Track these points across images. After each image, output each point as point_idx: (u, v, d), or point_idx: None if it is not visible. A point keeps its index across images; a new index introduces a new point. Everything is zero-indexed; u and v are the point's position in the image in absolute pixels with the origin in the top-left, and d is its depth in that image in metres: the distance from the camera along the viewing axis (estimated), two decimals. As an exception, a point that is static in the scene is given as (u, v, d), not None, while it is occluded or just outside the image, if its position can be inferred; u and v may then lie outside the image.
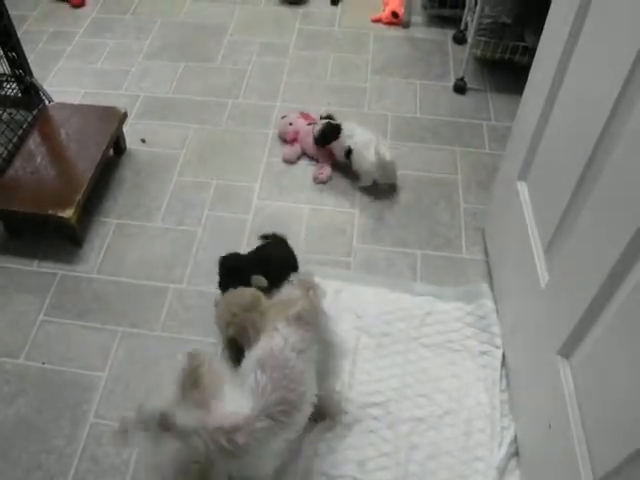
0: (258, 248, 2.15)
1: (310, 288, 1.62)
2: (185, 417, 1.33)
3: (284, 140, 2.67)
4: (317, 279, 1.69)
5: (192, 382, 1.48)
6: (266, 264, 2.07)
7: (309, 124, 2.59)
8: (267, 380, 1.42)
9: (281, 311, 1.56)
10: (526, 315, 1.75)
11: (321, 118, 2.54)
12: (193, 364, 1.51)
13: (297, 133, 2.62)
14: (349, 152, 2.43)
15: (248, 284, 1.99)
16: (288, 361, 1.46)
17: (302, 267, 2.13)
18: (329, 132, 2.48)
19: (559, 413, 1.39)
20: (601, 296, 1.25)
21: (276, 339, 1.50)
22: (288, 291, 1.65)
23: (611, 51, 1.29)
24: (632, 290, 1.14)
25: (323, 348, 1.62)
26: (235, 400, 1.42)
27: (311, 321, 1.56)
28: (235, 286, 1.98)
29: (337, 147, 2.48)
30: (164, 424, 1.32)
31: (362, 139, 2.41)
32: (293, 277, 1.72)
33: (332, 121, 2.50)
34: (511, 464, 1.71)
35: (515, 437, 1.75)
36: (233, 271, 2.06)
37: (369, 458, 1.72)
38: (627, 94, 1.20)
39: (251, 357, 1.51)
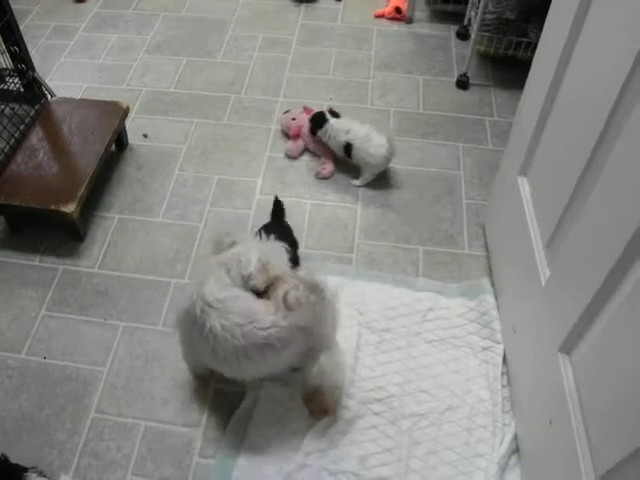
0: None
1: (313, 292, 1.55)
2: None
3: (287, 135, 2.67)
4: (322, 277, 1.61)
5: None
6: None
7: (311, 119, 2.59)
8: (235, 313, 1.54)
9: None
10: (527, 311, 1.74)
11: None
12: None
13: (300, 128, 2.61)
14: (348, 147, 2.42)
15: None
16: (255, 338, 1.53)
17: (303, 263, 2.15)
18: (314, 120, 2.50)
19: (560, 410, 1.39)
20: (602, 292, 1.25)
21: (267, 319, 1.54)
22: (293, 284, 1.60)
23: (613, 46, 1.28)
24: (634, 286, 1.14)
25: (323, 351, 1.63)
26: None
27: (306, 324, 1.56)
28: None
29: (333, 143, 2.48)
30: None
31: (360, 134, 2.40)
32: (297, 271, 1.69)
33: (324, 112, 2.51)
34: (512, 460, 1.71)
35: (516, 433, 1.74)
36: None
37: (370, 454, 1.72)
38: (629, 89, 1.20)
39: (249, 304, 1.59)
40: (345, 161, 2.50)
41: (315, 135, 2.51)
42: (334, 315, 1.64)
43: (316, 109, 2.64)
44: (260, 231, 1.85)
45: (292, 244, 2.08)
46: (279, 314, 1.54)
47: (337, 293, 1.67)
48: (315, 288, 1.54)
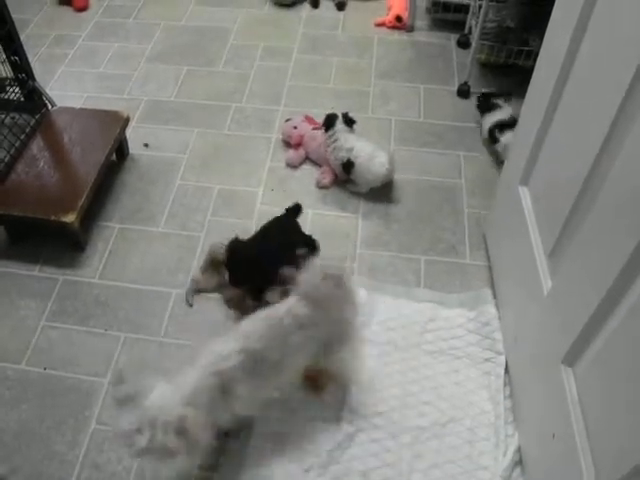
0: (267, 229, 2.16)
1: (328, 277, 1.65)
2: None
3: (288, 144, 2.66)
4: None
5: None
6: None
7: (314, 129, 2.58)
8: (258, 330, 1.56)
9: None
10: (529, 322, 1.73)
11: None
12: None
13: (301, 137, 2.60)
14: (348, 165, 2.39)
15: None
16: (286, 328, 1.57)
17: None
18: (327, 119, 2.50)
19: (563, 423, 1.38)
20: (606, 304, 1.24)
21: (285, 306, 1.61)
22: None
23: (614, 57, 1.28)
24: (638, 298, 1.13)
25: (333, 333, 1.66)
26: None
27: (322, 304, 1.61)
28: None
29: (332, 158, 2.46)
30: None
31: (363, 152, 2.38)
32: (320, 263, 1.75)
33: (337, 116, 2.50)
34: (515, 472, 1.69)
35: (519, 446, 1.73)
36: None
37: (372, 469, 1.71)
38: (631, 99, 1.20)
39: (257, 314, 1.63)
40: (342, 175, 2.48)
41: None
42: (353, 305, 1.72)
43: (319, 119, 2.64)
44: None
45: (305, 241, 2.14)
46: (293, 298, 1.62)
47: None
48: (338, 280, 1.65)
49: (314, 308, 1.59)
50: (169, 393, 1.44)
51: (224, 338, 1.57)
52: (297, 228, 2.16)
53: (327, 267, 1.71)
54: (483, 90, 2.66)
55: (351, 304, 1.71)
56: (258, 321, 1.59)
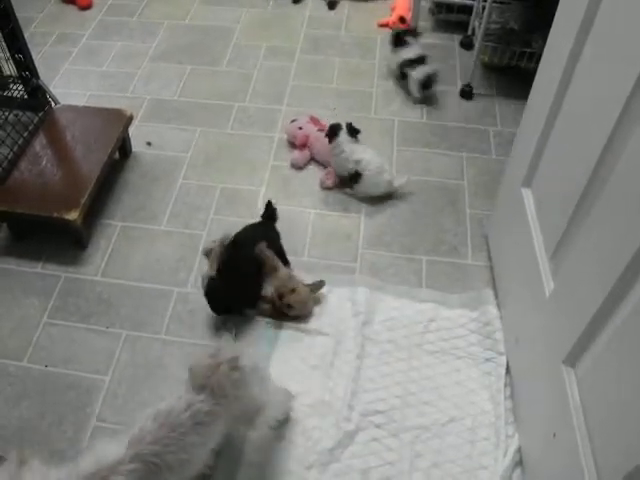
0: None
1: (221, 363, 1.47)
2: None
3: (292, 144, 2.66)
4: (242, 349, 1.57)
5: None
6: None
7: (319, 130, 2.58)
8: (151, 431, 1.39)
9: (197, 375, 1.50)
10: (530, 323, 1.73)
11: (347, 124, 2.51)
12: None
13: (307, 137, 2.60)
14: (356, 176, 2.39)
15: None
16: (181, 427, 1.41)
17: (306, 272, 2.15)
18: (330, 128, 2.48)
19: (564, 423, 1.38)
20: (608, 305, 1.24)
21: (180, 402, 1.45)
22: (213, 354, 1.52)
23: (618, 59, 1.28)
24: (639, 299, 1.13)
25: (245, 414, 1.58)
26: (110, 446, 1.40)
27: (224, 395, 1.47)
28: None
29: (336, 167, 2.47)
30: None
31: (372, 166, 2.38)
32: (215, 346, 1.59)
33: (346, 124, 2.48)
34: (516, 473, 1.69)
35: (520, 446, 1.73)
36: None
37: (373, 467, 1.71)
38: (634, 101, 1.20)
39: (153, 408, 1.46)
40: (346, 184, 2.48)
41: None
42: (259, 387, 1.58)
43: (322, 119, 2.64)
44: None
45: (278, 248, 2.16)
46: (191, 391, 1.47)
47: (257, 363, 1.61)
48: (234, 363, 1.48)
49: (215, 400, 1.45)
50: None
51: (111, 441, 1.40)
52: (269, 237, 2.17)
53: (219, 354, 1.51)
54: (396, 30, 3.00)
55: (255, 381, 1.56)
56: (151, 421, 1.41)
